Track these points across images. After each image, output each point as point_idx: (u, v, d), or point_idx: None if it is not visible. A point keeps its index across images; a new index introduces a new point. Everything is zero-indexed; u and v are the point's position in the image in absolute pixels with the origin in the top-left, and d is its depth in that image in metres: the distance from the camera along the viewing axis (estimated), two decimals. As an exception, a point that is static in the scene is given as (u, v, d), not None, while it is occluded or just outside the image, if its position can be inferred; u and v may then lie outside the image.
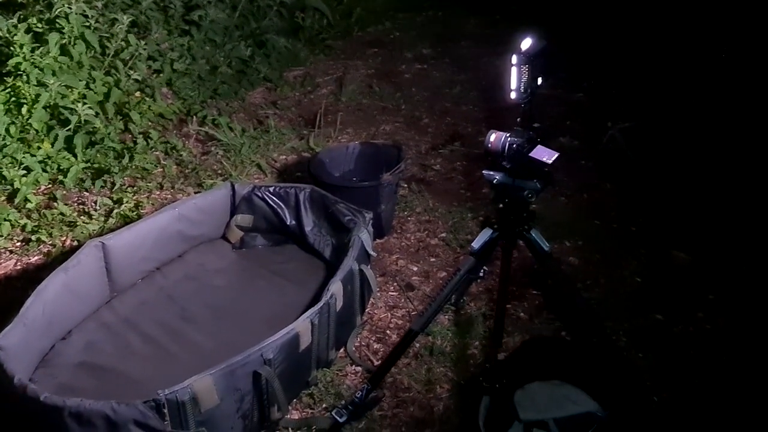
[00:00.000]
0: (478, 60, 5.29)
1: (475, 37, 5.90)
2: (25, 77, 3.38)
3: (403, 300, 2.81)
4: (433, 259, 3.06)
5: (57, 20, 3.50)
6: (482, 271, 2.38)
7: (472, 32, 6.03)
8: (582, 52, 5.02)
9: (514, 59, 1.72)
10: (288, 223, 2.95)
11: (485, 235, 1.94)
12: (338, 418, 1.94)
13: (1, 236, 3.02)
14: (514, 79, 1.74)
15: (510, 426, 2.08)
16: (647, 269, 3.01)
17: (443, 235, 3.22)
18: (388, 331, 2.64)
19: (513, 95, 1.76)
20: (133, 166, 3.51)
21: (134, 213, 3.18)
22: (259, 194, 2.94)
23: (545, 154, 1.77)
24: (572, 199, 3.50)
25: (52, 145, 3.45)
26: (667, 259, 3.09)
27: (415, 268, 3.00)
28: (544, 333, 2.61)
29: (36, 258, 2.96)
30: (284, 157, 3.85)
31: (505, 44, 5.21)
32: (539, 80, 1.75)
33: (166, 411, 1.89)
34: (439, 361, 2.49)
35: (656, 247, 3.15)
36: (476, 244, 1.94)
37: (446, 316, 2.68)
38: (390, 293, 2.85)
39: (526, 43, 1.73)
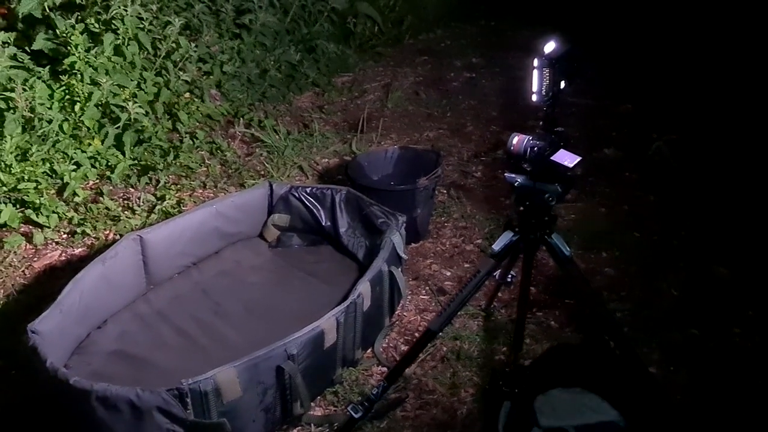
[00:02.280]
0: (528, 70, 5.25)
1: (526, 47, 5.81)
2: (79, 76, 3.49)
3: (433, 304, 2.82)
4: (467, 265, 3.06)
5: (113, 21, 3.61)
6: (510, 276, 2.38)
7: (523, 43, 5.95)
8: (631, 64, 4.96)
9: (536, 62, 1.73)
10: (323, 224, 2.99)
11: (506, 237, 1.94)
12: (354, 414, 1.95)
13: (49, 228, 3.12)
14: (536, 82, 1.74)
15: (529, 431, 2.07)
16: (686, 283, 2.95)
17: (479, 241, 3.22)
18: (416, 334, 2.65)
19: (534, 98, 1.77)
20: (178, 164, 3.60)
21: (176, 210, 3.26)
22: (296, 194, 2.99)
23: (567, 158, 1.77)
24: (612, 210, 3.46)
25: (102, 142, 3.56)
26: (708, 274, 3.02)
27: (449, 273, 3.00)
28: (573, 342, 2.59)
29: (80, 250, 3.06)
30: (326, 160, 3.89)
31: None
32: (562, 84, 1.74)
33: (189, 400, 1.94)
34: (466, 366, 2.49)
35: (697, 261, 3.09)
36: (496, 247, 1.94)
37: (476, 322, 2.69)
38: (421, 296, 2.86)
39: (549, 47, 1.73)
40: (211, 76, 4.24)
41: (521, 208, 1.87)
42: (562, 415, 2.08)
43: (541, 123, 1.81)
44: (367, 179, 3.26)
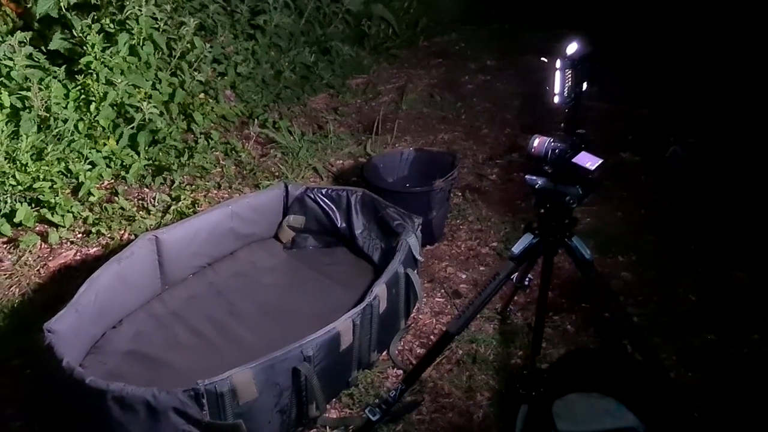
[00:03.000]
0: (543, 73, 5.23)
1: (540, 50, 5.80)
2: (95, 76, 3.50)
3: (449, 307, 2.80)
4: (482, 268, 3.04)
5: (127, 21, 3.62)
6: (527, 280, 2.37)
7: (538, 45, 5.95)
8: (648, 67, 4.93)
9: (558, 63, 1.71)
10: (338, 226, 2.97)
11: (525, 240, 1.93)
12: (371, 417, 1.94)
13: (64, 227, 3.12)
14: (558, 83, 1.73)
15: (547, 436, 2.05)
16: (703, 288, 2.92)
17: (494, 244, 3.20)
18: (432, 337, 2.63)
19: (556, 99, 1.75)
20: (193, 165, 3.60)
21: (191, 210, 3.26)
22: (312, 196, 2.98)
23: (588, 160, 1.75)
24: (629, 215, 3.43)
25: (117, 142, 3.56)
26: (726, 279, 2.99)
27: (464, 276, 2.99)
28: (590, 346, 2.57)
29: (95, 249, 3.06)
30: (341, 161, 3.88)
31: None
32: (584, 85, 1.72)
33: (205, 401, 1.93)
34: (482, 369, 2.47)
35: (715, 266, 3.06)
36: (516, 249, 1.93)
37: (492, 325, 2.67)
38: (437, 299, 2.84)
39: (572, 48, 1.71)
40: (226, 77, 4.25)
41: (542, 211, 1.86)
42: (580, 420, 2.05)
43: (562, 125, 1.79)
44: (383, 181, 3.25)
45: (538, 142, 1.80)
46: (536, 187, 1.84)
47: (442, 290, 2.89)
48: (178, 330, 2.52)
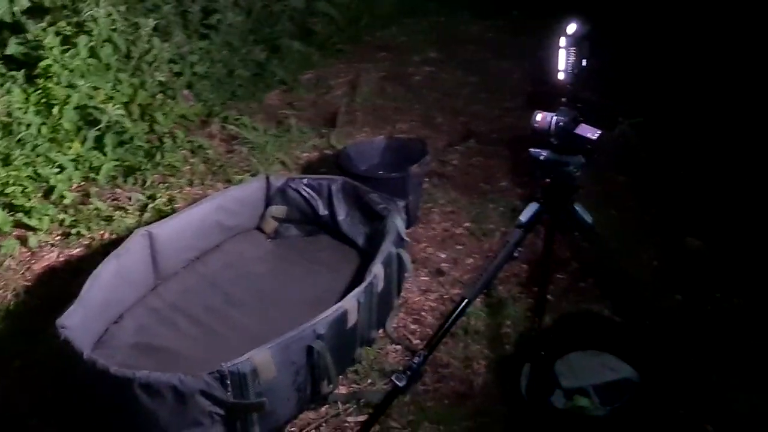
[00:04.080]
0: (485, 63, 5.44)
1: (480, 41, 6.04)
2: (55, 79, 3.47)
3: (434, 284, 2.93)
4: (459, 247, 3.18)
5: (86, 23, 3.61)
6: (517, 252, 2.51)
7: (477, 37, 6.17)
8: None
9: (563, 41, 1.85)
10: (321, 214, 3.06)
11: (532, 208, 2.06)
12: (398, 383, 2.04)
13: (42, 231, 3.11)
14: (563, 60, 1.86)
15: (552, 393, 2.20)
16: (663, 254, 3.15)
17: (467, 224, 3.34)
18: (423, 313, 2.77)
19: (561, 76, 1.88)
20: (164, 164, 3.62)
21: (168, 207, 3.29)
22: (293, 186, 3.05)
23: (589, 131, 1.90)
24: (588, 192, 3.59)
25: (82, 144, 3.55)
26: (682, 245, 3.22)
27: (444, 255, 3.12)
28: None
29: (77, 250, 3.06)
30: (306, 154, 3.96)
31: (510, 47, 5.33)
32: (584, 62, 1.87)
33: (228, 382, 2.00)
34: (475, 340, 2.61)
35: (671, 234, 3.29)
36: (523, 218, 2.06)
37: (478, 299, 2.80)
38: (422, 278, 2.97)
39: (572, 28, 1.85)
40: (182, 77, 4.26)
41: (547, 180, 2.00)
42: (580, 375, 2.23)
43: (563, 99, 1.93)
44: (357, 169, 3.34)
45: (540, 116, 1.93)
46: (541, 158, 1.97)
47: (426, 270, 3.02)
48: (180, 321, 2.57)
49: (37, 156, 3.39)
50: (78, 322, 2.22)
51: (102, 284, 2.41)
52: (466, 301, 2.09)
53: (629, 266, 3.02)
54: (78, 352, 2.05)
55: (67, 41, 3.60)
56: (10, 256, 2.97)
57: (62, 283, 2.83)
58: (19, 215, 3.12)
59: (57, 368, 2.27)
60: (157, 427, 2.02)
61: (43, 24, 3.56)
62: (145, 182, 3.50)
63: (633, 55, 4.93)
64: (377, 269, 2.49)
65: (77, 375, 2.10)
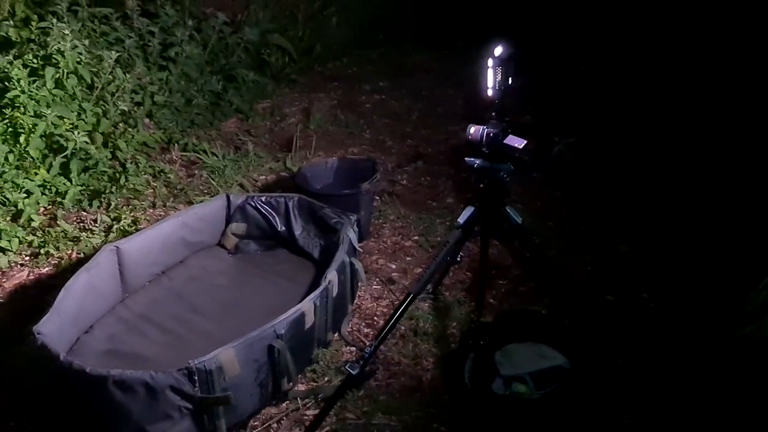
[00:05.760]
0: (432, 90, 5.77)
1: (427, 70, 6.37)
2: (22, 109, 3.64)
3: (386, 292, 3.15)
4: (408, 258, 3.42)
5: (53, 56, 3.78)
6: (459, 256, 2.75)
7: (424, 66, 6.50)
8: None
9: (490, 62, 2.11)
10: (279, 229, 3.27)
11: (468, 211, 2.31)
12: (352, 371, 2.25)
13: (12, 251, 3.26)
14: (491, 78, 2.12)
15: (492, 381, 2.44)
16: (596, 261, 3.43)
17: (416, 238, 3.59)
18: (375, 318, 2.99)
19: (489, 92, 2.14)
20: (128, 187, 3.80)
21: (132, 228, 3.46)
22: (253, 203, 3.26)
23: (516, 141, 2.16)
24: (527, 206, 3.90)
25: (48, 170, 3.71)
26: (613, 252, 3.51)
27: (394, 266, 3.36)
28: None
29: (47, 269, 3.22)
30: (264, 177, 4.18)
31: (455, 76, 5.62)
32: (510, 80, 2.13)
33: (196, 378, 2.19)
34: (423, 340, 2.83)
35: (603, 242, 3.58)
36: (461, 219, 2.30)
37: (426, 303, 3.04)
38: (374, 287, 3.19)
39: (498, 50, 2.11)
40: (143, 107, 4.44)
41: (480, 185, 2.25)
42: (518, 364, 2.46)
43: (493, 114, 2.19)
44: (312, 188, 3.56)
45: (474, 129, 2.18)
46: (475, 166, 2.22)
47: (377, 279, 3.25)
48: (149, 330, 2.74)
49: (5, 182, 3.54)
50: (53, 329, 2.38)
51: (74, 295, 2.58)
52: (411, 295, 2.32)
53: (566, 271, 3.30)
54: (55, 355, 2.21)
55: (34, 73, 3.77)
56: (-18, 275, 3.12)
57: (33, 299, 2.98)
58: (-10, 237, 3.26)
59: (32, 374, 2.43)
60: (131, 421, 2.20)
61: (10, 57, 3.73)
62: (109, 205, 3.67)
63: (565, 80, 5.29)
64: (332, 275, 2.70)
65: (54, 376, 2.26)
